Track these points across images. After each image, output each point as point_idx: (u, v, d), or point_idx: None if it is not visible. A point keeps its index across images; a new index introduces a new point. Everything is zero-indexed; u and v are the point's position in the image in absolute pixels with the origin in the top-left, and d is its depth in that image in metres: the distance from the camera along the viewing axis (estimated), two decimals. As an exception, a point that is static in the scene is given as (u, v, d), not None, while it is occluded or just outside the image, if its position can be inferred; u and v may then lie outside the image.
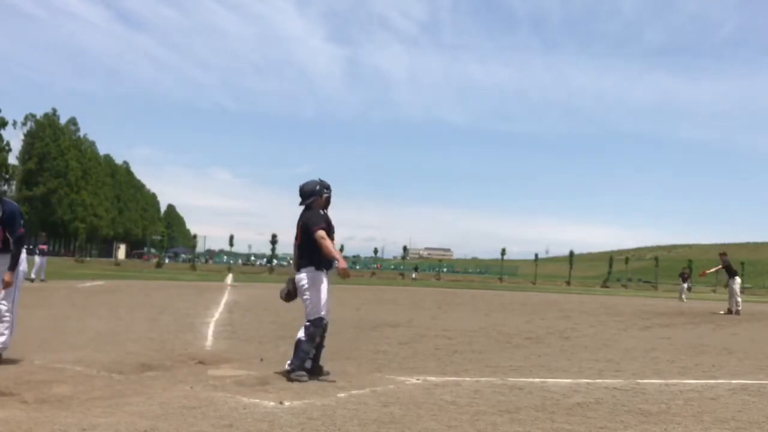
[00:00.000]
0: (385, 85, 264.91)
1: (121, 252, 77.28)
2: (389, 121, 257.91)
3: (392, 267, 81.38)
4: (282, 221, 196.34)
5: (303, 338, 5.70)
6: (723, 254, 19.85)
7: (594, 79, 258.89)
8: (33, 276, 20.74)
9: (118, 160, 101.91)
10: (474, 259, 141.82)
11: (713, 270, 21.32)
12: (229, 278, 35.25)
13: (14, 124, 71.59)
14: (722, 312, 19.62)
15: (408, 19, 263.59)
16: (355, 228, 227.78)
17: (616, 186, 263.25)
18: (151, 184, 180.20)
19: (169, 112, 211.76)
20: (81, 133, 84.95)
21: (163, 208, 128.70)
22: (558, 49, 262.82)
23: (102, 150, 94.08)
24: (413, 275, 57.70)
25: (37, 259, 22.81)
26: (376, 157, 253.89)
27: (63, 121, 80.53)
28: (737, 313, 18.44)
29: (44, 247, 23.89)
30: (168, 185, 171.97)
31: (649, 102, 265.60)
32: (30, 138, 76.60)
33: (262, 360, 6.86)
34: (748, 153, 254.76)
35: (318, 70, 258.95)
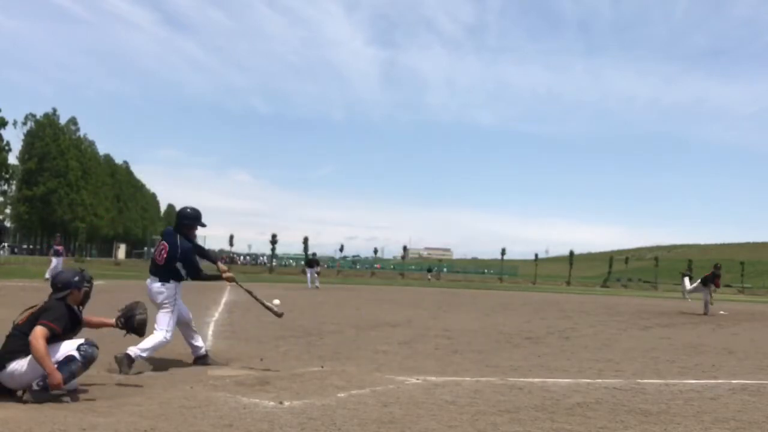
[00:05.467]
0: (420, 88, 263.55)
1: (121, 252, 77.05)
2: (416, 123, 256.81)
3: (392, 267, 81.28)
4: (288, 221, 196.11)
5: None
6: (715, 266, 19.54)
7: (631, 81, 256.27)
8: (48, 276, 20.79)
9: (138, 162, 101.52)
10: (474, 259, 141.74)
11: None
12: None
13: (14, 124, 71.62)
14: (722, 312, 19.66)
15: (455, 22, 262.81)
16: (357, 228, 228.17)
17: (617, 186, 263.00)
18: (160, 184, 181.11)
19: (199, 114, 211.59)
20: (81, 133, 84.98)
21: (163, 207, 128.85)
22: (601, 52, 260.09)
23: (102, 150, 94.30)
24: (428, 276, 57.06)
25: (53, 260, 22.83)
26: (388, 158, 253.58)
27: (63, 120, 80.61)
28: (705, 314, 18.26)
29: (60, 248, 23.78)
30: (181, 187, 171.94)
31: (673, 104, 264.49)
32: (30, 138, 76.48)
33: (262, 360, 6.85)
34: (748, 153, 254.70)
35: (355, 72, 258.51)
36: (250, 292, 6.52)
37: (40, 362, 4.48)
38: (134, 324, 5.48)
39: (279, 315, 6.81)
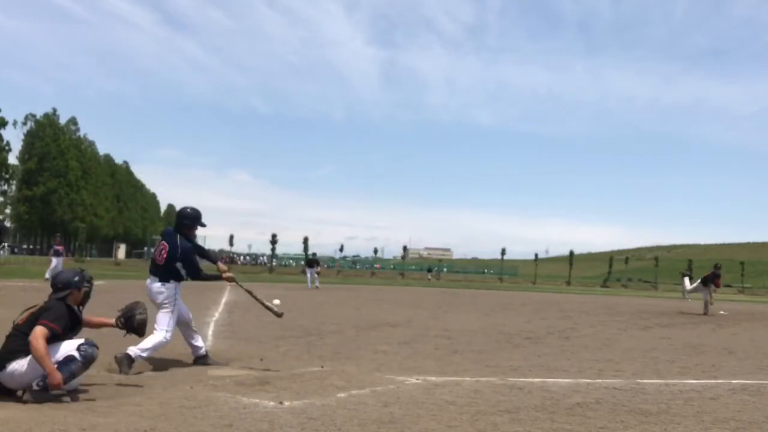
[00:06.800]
0: (420, 88, 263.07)
1: (121, 252, 77.02)
2: (416, 123, 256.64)
3: (392, 267, 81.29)
4: (288, 221, 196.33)
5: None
6: (715, 266, 19.53)
7: (631, 81, 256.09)
8: (48, 276, 20.80)
9: (138, 162, 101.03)
10: (474, 259, 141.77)
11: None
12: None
13: (14, 124, 71.62)
14: (722, 312, 19.68)
15: (455, 22, 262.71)
16: (357, 228, 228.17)
17: (617, 186, 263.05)
18: (160, 184, 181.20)
19: (199, 114, 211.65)
20: (81, 133, 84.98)
21: (163, 207, 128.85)
22: (601, 52, 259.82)
23: (102, 150, 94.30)
24: (428, 276, 57.21)
25: (53, 260, 22.84)
26: (388, 158, 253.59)
27: (63, 120, 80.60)
28: (705, 314, 18.24)
29: (60, 248, 23.75)
30: (181, 187, 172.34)
31: (673, 104, 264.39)
32: (30, 138, 76.46)
33: (262, 360, 6.85)
34: (748, 153, 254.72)
35: (355, 72, 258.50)
36: (250, 292, 6.52)
37: (39, 362, 4.48)
38: (134, 324, 5.48)
39: (279, 315, 6.81)
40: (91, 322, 5.34)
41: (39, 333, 4.56)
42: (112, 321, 5.49)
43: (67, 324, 4.85)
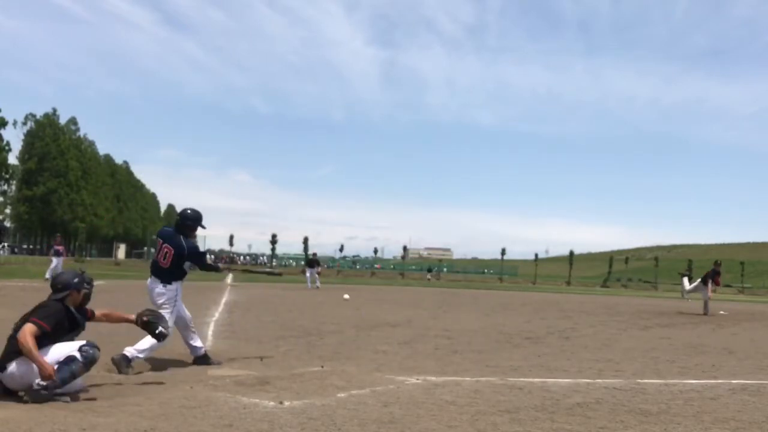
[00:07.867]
0: (420, 88, 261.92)
1: (121, 252, 77.04)
2: (416, 123, 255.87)
3: (392, 267, 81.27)
4: (288, 221, 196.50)
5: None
6: (715, 263, 19.49)
7: (631, 81, 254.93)
8: (48, 276, 20.82)
9: (138, 162, 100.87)
10: (474, 259, 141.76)
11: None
12: (229, 278, 35.24)
13: (14, 123, 71.62)
14: (722, 312, 19.68)
15: (455, 22, 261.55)
16: (357, 228, 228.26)
17: (617, 186, 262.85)
18: (160, 184, 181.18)
19: (199, 114, 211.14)
20: (81, 133, 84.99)
21: (163, 207, 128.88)
22: (601, 52, 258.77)
23: (102, 150, 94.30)
24: (428, 276, 57.25)
25: (53, 260, 22.88)
26: (388, 158, 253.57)
27: (63, 120, 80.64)
28: (705, 314, 18.22)
29: (60, 248, 23.76)
30: (181, 187, 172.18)
31: (673, 104, 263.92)
32: (30, 138, 76.50)
33: (262, 360, 6.86)
34: (748, 153, 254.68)
35: (355, 72, 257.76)
36: (247, 270, 6.75)
37: (28, 356, 4.50)
38: (153, 331, 5.52)
39: (278, 274, 7.22)
40: (111, 316, 5.45)
41: (27, 330, 4.60)
42: (133, 317, 5.54)
43: (65, 324, 4.86)
